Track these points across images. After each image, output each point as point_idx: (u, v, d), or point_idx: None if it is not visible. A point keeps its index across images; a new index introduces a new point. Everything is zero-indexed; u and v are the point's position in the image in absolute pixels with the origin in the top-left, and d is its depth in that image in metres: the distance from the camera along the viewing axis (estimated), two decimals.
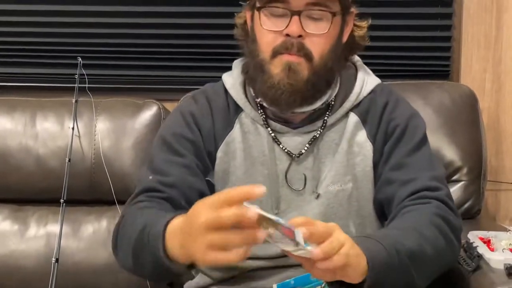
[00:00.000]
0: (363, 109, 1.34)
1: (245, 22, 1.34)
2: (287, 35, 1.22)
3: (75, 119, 1.77)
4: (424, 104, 1.79)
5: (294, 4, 1.22)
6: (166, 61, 2.01)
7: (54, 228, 1.73)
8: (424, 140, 1.34)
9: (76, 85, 1.79)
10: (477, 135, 1.79)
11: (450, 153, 1.75)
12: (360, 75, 1.37)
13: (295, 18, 1.21)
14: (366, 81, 1.36)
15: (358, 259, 1.01)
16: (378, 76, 1.87)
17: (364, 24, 1.38)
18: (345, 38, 1.33)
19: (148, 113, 1.82)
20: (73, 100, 1.77)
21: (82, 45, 2.03)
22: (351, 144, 1.32)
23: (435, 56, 2.03)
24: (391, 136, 1.32)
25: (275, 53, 1.24)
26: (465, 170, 1.75)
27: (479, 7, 2.00)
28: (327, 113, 1.32)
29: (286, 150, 1.31)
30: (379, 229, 1.34)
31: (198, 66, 2.00)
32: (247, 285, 1.31)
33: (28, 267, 1.73)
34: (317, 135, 1.31)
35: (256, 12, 1.27)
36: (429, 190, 1.25)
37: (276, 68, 1.24)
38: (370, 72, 1.41)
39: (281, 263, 1.28)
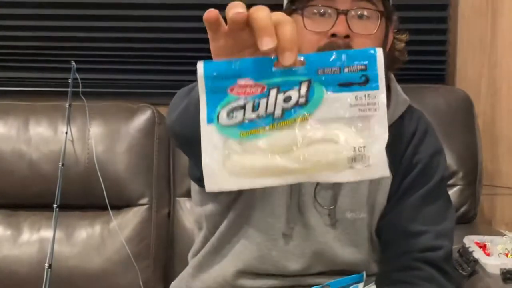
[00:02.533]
0: (391, 134, 1.24)
1: None
2: (333, 35, 1.12)
3: (68, 123, 1.76)
4: (420, 108, 1.78)
5: (340, 2, 1.13)
6: (160, 65, 2.01)
7: (47, 233, 1.72)
8: (443, 182, 1.28)
9: (69, 89, 1.79)
10: (472, 139, 1.79)
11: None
12: (393, 95, 1.27)
13: (342, 17, 1.12)
14: (398, 101, 1.28)
15: None
16: None
17: (404, 37, 1.32)
18: (388, 46, 1.25)
19: (142, 118, 1.81)
20: (67, 105, 1.76)
21: (75, 49, 2.02)
22: None
23: (431, 60, 2.02)
24: (411, 171, 1.24)
25: None
26: (460, 175, 1.75)
27: (474, 11, 2.00)
28: None
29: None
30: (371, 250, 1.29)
31: (192, 70, 1.99)
32: None
33: (21, 273, 1.72)
34: None
35: (295, 16, 1.15)
36: (431, 251, 1.20)
37: None
38: (401, 90, 1.31)
39: (296, 282, 1.25)
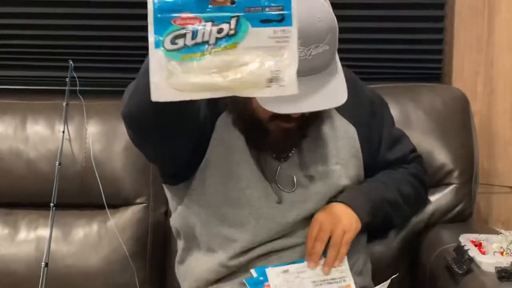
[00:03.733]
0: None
1: None
2: None
3: (65, 122, 1.75)
4: (416, 106, 1.79)
5: None
6: None
7: (44, 232, 1.72)
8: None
9: (67, 88, 1.78)
10: (468, 138, 1.79)
11: (441, 156, 1.75)
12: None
13: None
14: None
15: (343, 214, 1.33)
16: (370, 78, 1.88)
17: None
18: None
19: None
20: (64, 103, 1.76)
21: (73, 47, 2.02)
22: (334, 130, 1.39)
23: (427, 59, 2.03)
24: (372, 115, 1.47)
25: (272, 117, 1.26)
26: (456, 173, 1.75)
27: (471, 10, 2.00)
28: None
29: (273, 155, 1.36)
30: None
31: None
32: (242, 278, 1.33)
33: (18, 271, 1.72)
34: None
35: None
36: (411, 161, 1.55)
37: (272, 127, 1.29)
38: None
39: (276, 247, 1.34)
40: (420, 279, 1.63)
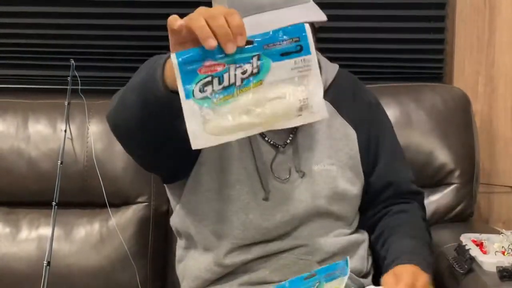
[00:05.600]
0: (334, 95, 1.41)
1: None
2: None
3: (67, 121, 1.76)
4: (417, 106, 1.79)
5: None
6: None
7: (46, 231, 1.72)
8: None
9: (68, 87, 1.78)
10: (469, 138, 1.80)
11: (442, 155, 1.75)
12: (322, 62, 1.43)
13: None
14: (327, 68, 1.45)
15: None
16: (370, 78, 1.88)
17: None
18: None
19: None
20: (66, 103, 1.76)
21: (74, 47, 2.02)
22: (331, 129, 1.38)
23: (428, 59, 2.03)
24: (368, 114, 1.44)
25: None
26: (457, 173, 1.76)
27: (472, 10, 2.00)
28: None
29: (271, 142, 1.35)
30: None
31: None
32: (242, 279, 1.33)
33: (20, 270, 1.72)
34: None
35: None
36: (411, 193, 1.47)
37: None
38: (328, 61, 1.49)
39: (282, 245, 1.33)
40: None
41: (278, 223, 1.32)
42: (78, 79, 1.81)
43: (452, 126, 1.79)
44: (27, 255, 1.73)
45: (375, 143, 1.44)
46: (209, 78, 0.89)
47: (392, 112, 1.74)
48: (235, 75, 0.90)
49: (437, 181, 1.76)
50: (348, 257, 1.15)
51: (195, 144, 0.89)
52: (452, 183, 1.76)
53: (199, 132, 0.89)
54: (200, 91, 0.89)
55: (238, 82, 0.90)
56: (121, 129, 1.23)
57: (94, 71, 2.02)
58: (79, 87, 1.81)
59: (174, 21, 0.93)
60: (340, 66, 1.50)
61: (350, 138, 1.40)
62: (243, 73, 0.90)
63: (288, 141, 1.36)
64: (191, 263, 1.39)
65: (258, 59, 0.90)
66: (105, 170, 1.75)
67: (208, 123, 0.89)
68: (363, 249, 1.41)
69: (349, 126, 1.41)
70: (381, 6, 1.99)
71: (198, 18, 0.90)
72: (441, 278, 1.44)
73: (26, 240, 1.75)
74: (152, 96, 1.04)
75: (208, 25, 0.89)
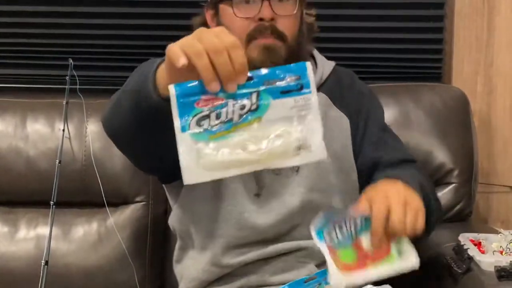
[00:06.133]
0: (330, 87, 1.42)
1: (204, 23, 1.39)
2: (260, 19, 1.29)
3: (65, 121, 1.76)
4: (416, 106, 1.79)
5: None
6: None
7: (44, 230, 1.72)
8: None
9: (67, 86, 1.78)
10: (468, 138, 1.80)
11: (441, 155, 1.75)
12: (317, 59, 1.46)
13: (266, 2, 1.29)
14: (323, 63, 1.46)
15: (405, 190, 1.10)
16: (369, 78, 1.88)
17: (313, 12, 1.45)
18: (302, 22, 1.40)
19: None
20: (64, 102, 1.76)
21: (73, 46, 2.02)
22: (325, 121, 1.34)
23: (427, 58, 2.03)
24: (360, 106, 1.43)
25: (250, 38, 1.29)
26: (456, 173, 1.76)
27: (471, 10, 2.00)
28: None
29: None
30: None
31: None
32: (240, 282, 1.33)
33: (18, 270, 1.72)
34: None
35: (222, 6, 1.33)
36: (403, 162, 1.42)
37: (253, 52, 1.28)
38: (323, 57, 1.50)
39: (279, 249, 1.32)
40: (419, 278, 1.63)
41: (273, 221, 1.31)
42: (77, 78, 1.81)
43: (450, 126, 1.79)
44: (25, 255, 1.73)
45: (363, 130, 1.42)
46: (206, 112, 0.87)
47: (391, 111, 1.74)
48: (233, 110, 0.88)
49: (436, 181, 1.76)
50: None
51: (187, 180, 0.87)
52: (451, 183, 1.76)
53: (192, 167, 0.87)
54: (196, 124, 0.87)
55: (236, 118, 0.88)
56: (115, 133, 1.24)
57: (93, 71, 2.02)
58: (78, 86, 1.81)
59: (176, 57, 0.89)
60: (339, 66, 1.50)
61: (344, 127, 1.39)
62: (242, 108, 0.88)
63: None
64: (189, 263, 1.39)
65: (258, 95, 0.89)
66: (104, 169, 1.75)
67: (202, 158, 0.87)
68: None
69: (343, 115, 1.40)
70: (380, 6, 1.99)
71: (201, 53, 0.87)
72: (439, 278, 1.44)
73: (24, 239, 1.75)
74: (144, 103, 1.04)
75: (211, 61, 0.86)
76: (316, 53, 1.48)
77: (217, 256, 1.32)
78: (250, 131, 0.88)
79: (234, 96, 0.88)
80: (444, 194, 1.75)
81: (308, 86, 0.89)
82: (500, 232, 1.47)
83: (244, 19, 1.30)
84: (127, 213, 1.77)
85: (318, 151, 0.90)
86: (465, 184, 1.77)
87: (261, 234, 1.32)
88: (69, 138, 1.77)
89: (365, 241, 1.07)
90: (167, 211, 1.81)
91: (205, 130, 0.87)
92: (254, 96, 0.88)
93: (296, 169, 1.33)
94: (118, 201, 1.77)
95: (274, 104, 0.89)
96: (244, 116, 0.88)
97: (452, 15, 2.01)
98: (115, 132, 1.23)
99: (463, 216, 1.77)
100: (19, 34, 2.03)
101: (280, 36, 1.30)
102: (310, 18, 1.44)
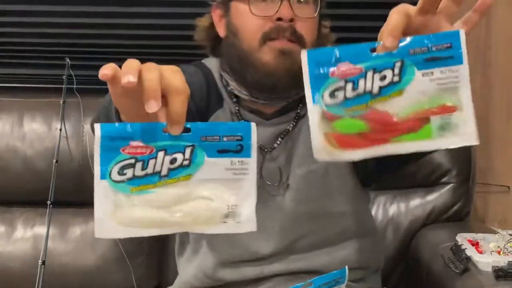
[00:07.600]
0: None
1: (211, 24, 1.31)
2: (278, 19, 1.19)
3: (62, 120, 1.76)
4: None
5: None
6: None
7: (41, 230, 1.72)
8: None
9: (64, 86, 1.79)
10: None
11: (439, 155, 1.75)
12: None
13: (285, 2, 1.19)
14: None
15: None
16: None
17: (327, 23, 1.35)
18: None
19: None
20: (61, 101, 1.76)
21: (70, 45, 2.01)
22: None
23: None
24: None
25: (265, 39, 1.19)
26: (454, 173, 1.76)
27: (468, 10, 2.00)
28: (300, 105, 1.28)
29: (258, 145, 1.24)
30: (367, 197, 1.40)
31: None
32: None
33: (15, 269, 1.73)
34: (290, 128, 1.27)
35: (235, 4, 1.23)
36: None
37: (266, 55, 1.19)
38: None
39: (275, 269, 1.27)
40: (417, 278, 1.63)
41: (266, 240, 1.26)
42: (74, 78, 1.81)
43: None
44: (22, 254, 1.73)
45: None
46: (131, 161, 0.77)
47: None
48: (162, 162, 0.78)
49: (433, 181, 1.76)
50: (346, 267, 1.13)
51: (99, 233, 0.78)
52: (448, 183, 1.76)
53: (106, 220, 0.77)
54: (118, 173, 0.77)
55: (164, 172, 0.78)
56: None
57: (90, 70, 2.01)
58: (74, 86, 1.81)
59: (126, 74, 0.79)
60: None
61: None
62: (172, 162, 0.78)
63: (276, 145, 1.28)
64: (184, 265, 1.37)
65: (192, 150, 0.79)
66: None
67: (118, 211, 0.78)
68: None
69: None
70: (378, 6, 1.99)
71: (153, 70, 0.80)
72: (436, 278, 1.44)
73: (21, 239, 1.75)
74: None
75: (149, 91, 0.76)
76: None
77: (210, 269, 1.29)
78: (177, 189, 0.79)
79: (166, 147, 0.78)
80: (442, 194, 1.75)
81: (248, 149, 0.79)
82: (497, 232, 1.47)
83: (260, 18, 1.20)
84: None
85: (247, 222, 0.80)
86: (463, 184, 1.77)
87: (254, 254, 1.27)
88: (66, 138, 1.77)
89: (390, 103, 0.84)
90: None
91: (127, 180, 0.78)
92: (188, 150, 0.79)
93: (286, 186, 1.26)
94: None
95: (208, 162, 0.79)
96: (174, 171, 0.79)
97: None
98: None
99: (461, 216, 1.77)
100: (16, 33, 2.02)
101: (299, 39, 1.20)
102: (325, 29, 1.35)
